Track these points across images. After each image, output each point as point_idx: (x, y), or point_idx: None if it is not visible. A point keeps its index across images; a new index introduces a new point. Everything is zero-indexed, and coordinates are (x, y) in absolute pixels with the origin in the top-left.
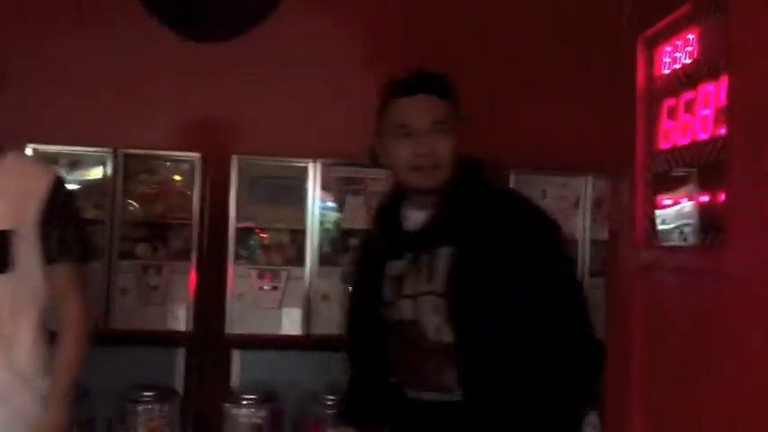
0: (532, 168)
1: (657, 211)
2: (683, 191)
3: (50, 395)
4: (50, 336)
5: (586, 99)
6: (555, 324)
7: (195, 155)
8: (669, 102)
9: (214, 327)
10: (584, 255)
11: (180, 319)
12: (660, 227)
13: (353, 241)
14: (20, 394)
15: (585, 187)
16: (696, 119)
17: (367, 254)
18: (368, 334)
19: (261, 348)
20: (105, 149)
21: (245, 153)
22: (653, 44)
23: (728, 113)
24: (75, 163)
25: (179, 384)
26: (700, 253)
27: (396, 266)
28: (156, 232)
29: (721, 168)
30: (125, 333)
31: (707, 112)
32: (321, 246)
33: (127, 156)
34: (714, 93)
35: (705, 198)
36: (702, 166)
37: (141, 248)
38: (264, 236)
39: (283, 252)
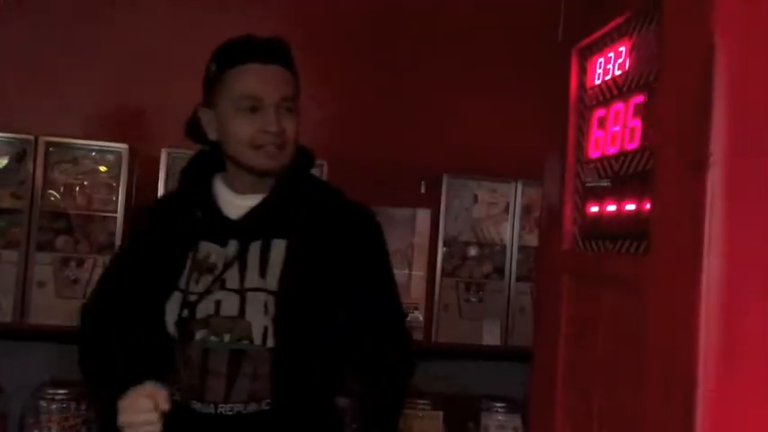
0: (465, 173)
1: (585, 219)
2: (610, 199)
3: None
4: None
5: (518, 106)
6: (386, 328)
7: (123, 146)
8: (600, 112)
9: None
10: (511, 260)
11: None
12: (587, 234)
13: None
14: None
15: (515, 193)
16: (625, 129)
17: (158, 227)
18: (137, 331)
19: None
20: (25, 136)
21: (177, 147)
22: (586, 55)
23: (656, 125)
24: None
25: None
26: (625, 260)
27: (213, 252)
28: (79, 224)
29: (648, 178)
30: (42, 328)
31: (636, 122)
32: None
33: (49, 144)
34: (643, 104)
35: (631, 206)
36: (630, 175)
37: (61, 240)
38: None
39: None
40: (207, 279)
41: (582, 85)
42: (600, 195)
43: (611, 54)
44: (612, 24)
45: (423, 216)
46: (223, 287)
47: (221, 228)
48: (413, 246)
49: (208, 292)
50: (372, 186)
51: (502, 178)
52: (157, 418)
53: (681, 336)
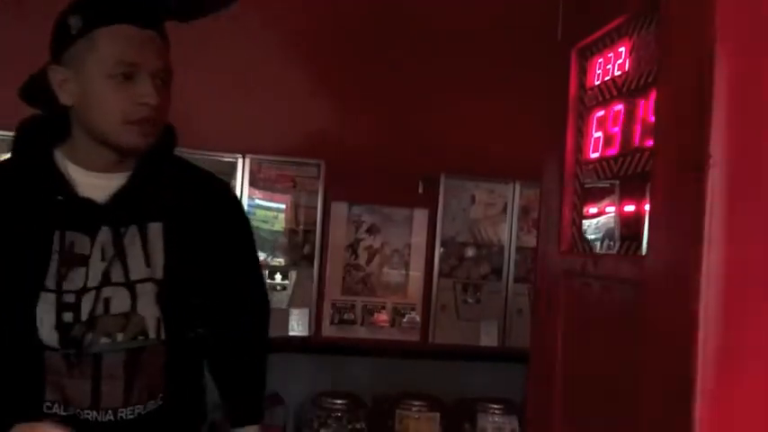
0: (462, 173)
1: (584, 220)
2: (609, 200)
3: None
4: None
5: (517, 106)
6: (261, 309)
7: None
8: (599, 112)
9: None
10: (509, 261)
11: None
12: (586, 235)
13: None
14: None
15: (513, 194)
16: (625, 130)
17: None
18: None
19: None
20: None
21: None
22: (586, 55)
23: (656, 126)
24: None
25: None
26: (623, 261)
27: (80, 241)
28: None
29: (646, 179)
30: None
31: (635, 123)
32: None
33: None
34: (643, 105)
35: (630, 208)
36: (629, 176)
37: None
38: None
39: None
40: (80, 274)
41: (581, 86)
42: (599, 196)
43: (611, 54)
44: (612, 25)
45: (420, 216)
46: (108, 282)
47: (86, 213)
48: (410, 246)
49: (86, 289)
50: (370, 186)
51: (500, 179)
52: None
53: (680, 337)
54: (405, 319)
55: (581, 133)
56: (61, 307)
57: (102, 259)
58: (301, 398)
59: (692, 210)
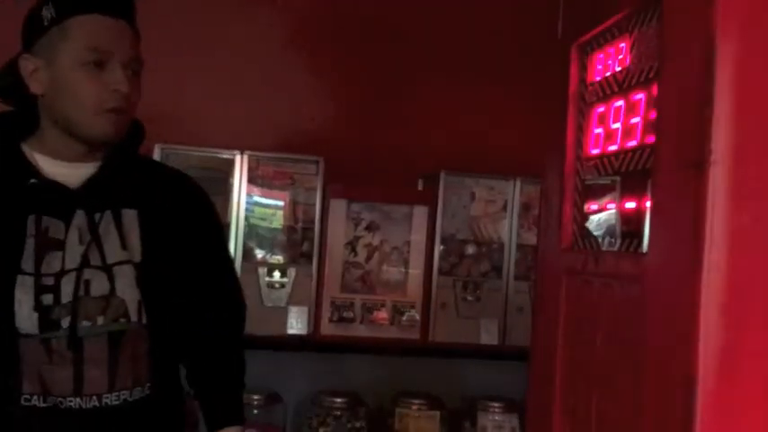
0: (462, 170)
1: (585, 217)
2: (609, 197)
3: None
4: None
5: (517, 102)
6: (234, 306)
7: None
8: (600, 108)
9: None
10: (509, 258)
11: None
12: (587, 232)
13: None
14: None
15: (513, 191)
16: (626, 126)
17: None
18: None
19: None
20: None
21: (169, 142)
22: (586, 51)
23: (657, 123)
24: None
25: None
26: (624, 258)
27: (54, 225)
28: None
29: (648, 176)
30: None
31: (636, 120)
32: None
33: None
34: (644, 101)
35: (631, 205)
36: (630, 173)
37: None
38: None
39: None
40: (56, 257)
41: (582, 81)
42: (599, 193)
43: (612, 50)
44: (613, 20)
45: (420, 213)
46: (87, 264)
47: (61, 198)
48: (409, 243)
49: (64, 271)
50: (369, 183)
51: (500, 175)
52: None
53: (680, 335)
54: (404, 317)
55: (581, 129)
56: (40, 289)
57: (80, 243)
58: (300, 396)
59: (694, 207)
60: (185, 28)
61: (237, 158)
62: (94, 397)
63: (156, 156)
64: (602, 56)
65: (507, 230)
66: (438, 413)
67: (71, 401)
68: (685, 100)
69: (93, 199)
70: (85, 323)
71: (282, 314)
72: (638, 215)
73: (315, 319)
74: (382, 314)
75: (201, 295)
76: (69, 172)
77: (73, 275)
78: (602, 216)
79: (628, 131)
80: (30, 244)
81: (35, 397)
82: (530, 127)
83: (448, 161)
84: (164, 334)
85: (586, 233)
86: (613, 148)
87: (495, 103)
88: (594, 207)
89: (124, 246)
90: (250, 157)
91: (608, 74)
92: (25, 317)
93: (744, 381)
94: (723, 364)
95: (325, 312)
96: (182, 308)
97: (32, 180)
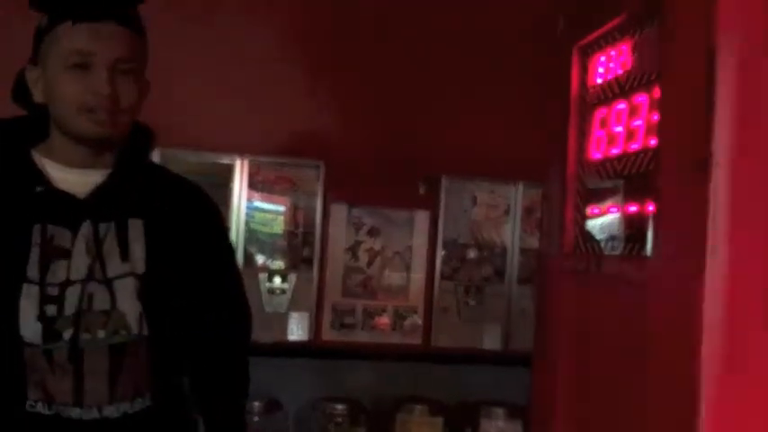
0: (463, 174)
1: (587, 221)
2: (612, 201)
3: None
4: None
5: (519, 106)
6: (239, 314)
7: None
8: (601, 111)
9: None
10: (512, 262)
11: None
12: (589, 236)
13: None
14: None
15: (516, 195)
16: (627, 129)
17: None
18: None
19: None
20: None
21: (168, 146)
22: (588, 53)
23: (659, 126)
24: None
25: None
26: (627, 262)
27: (60, 234)
28: None
29: (650, 179)
30: None
31: (638, 122)
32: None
33: None
34: (646, 104)
35: (634, 208)
36: (632, 176)
37: None
38: None
39: None
40: (62, 266)
41: (583, 84)
42: (602, 197)
43: (614, 52)
44: (614, 23)
45: (421, 218)
46: (92, 278)
47: (67, 207)
48: (411, 248)
49: (69, 282)
50: (370, 188)
51: (502, 179)
52: None
53: (683, 338)
54: (406, 323)
55: (583, 133)
56: (44, 299)
57: (87, 252)
58: (301, 403)
59: (696, 210)
60: (185, 31)
61: (238, 163)
62: (95, 408)
63: (156, 160)
64: (603, 58)
65: (510, 234)
66: (440, 419)
67: (72, 411)
68: (687, 102)
69: (99, 208)
70: (86, 336)
71: (283, 320)
72: (640, 219)
73: (316, 325)
74: (384, 319)
75: (206, 303)
76: (78, 179)
77: (78, 288)
78: (604, 220)
79: (629, 134)
80: (35, 252)
81: (39, 403)
82: (532, 130)
83: (449, 165)
84: (166, 344)
85: (589, 237)
86: (615, 151)
87: (496, 106)
88: (597, 211)
89: (127, 257)
90: (250, 161)
91: (610, 76)
92: (29, 326)
93: (747, 384)
94: (727, 366)
95: (327, 318)
96: (185, 316)
97: (39, 188)
